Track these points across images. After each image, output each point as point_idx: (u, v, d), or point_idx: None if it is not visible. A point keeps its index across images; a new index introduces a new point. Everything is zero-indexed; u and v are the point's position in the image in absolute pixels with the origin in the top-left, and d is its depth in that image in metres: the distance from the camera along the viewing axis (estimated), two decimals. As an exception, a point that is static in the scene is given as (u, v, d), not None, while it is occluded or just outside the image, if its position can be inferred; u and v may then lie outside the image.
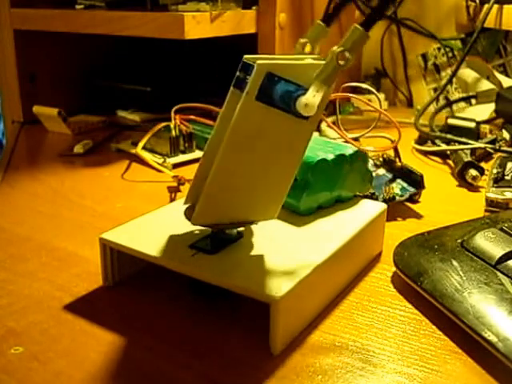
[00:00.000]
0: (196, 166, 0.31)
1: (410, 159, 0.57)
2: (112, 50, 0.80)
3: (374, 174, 0.41)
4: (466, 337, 0.27)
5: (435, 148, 0.59)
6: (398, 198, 0.43)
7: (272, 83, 0.26)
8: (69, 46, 0.75)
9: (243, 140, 0.27)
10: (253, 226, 0.32)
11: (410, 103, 0.87)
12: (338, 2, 0.31)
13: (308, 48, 0.30)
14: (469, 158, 0.51)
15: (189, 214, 0.30)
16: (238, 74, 0.29)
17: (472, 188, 0.50)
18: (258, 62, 0.26)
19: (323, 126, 0.65)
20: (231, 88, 0.29)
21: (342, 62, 0.25)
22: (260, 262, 0.29)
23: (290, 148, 0.29)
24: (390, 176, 0.45)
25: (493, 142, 0.59)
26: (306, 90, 0.26)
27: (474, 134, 0.60)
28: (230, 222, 0.30)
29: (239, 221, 0.31)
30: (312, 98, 0.25)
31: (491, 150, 0.56)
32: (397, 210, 0.44)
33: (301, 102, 0.25)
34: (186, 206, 0.32)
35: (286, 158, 0.29)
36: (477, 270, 0.30)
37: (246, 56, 0.28)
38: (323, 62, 0.26)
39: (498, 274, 0.30)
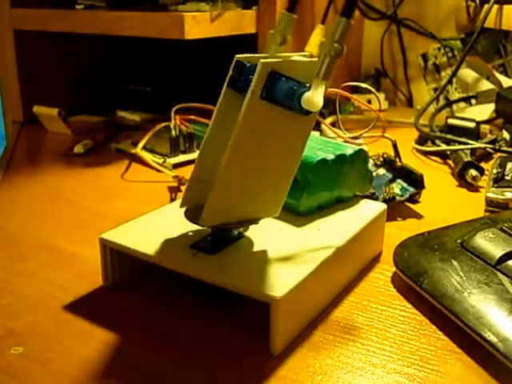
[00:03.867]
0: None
1: (410, 159, 0.57)
2: (112, 50, 0.80)
3: (374, 174, 0.41)
4: (466, 337, 0.27)
5: (435, 148, 0.59)
6: (398, 198, 0.43)
7: (275, 81, 0.26)
8: (69, 46, 0.75)
9: (250, 139, 0.28)
10: (253, 226, 0.32)
11: (410, 103, 0.87)
12: None
13: (279, 39, 0.30)
14: (469, 158, 0.51)
15: (192, 216, 0.30)
16: (231, 73, 0.29)
17: (472, 188, 0.50)
18: (262, 60, 0.26)
19: (323, 125, 0.65)
20: (224, 88, 0.30)
21: (336, 54, 0.25)
22: (260, 262, 0.29)
23: (292, 144, 0.29)
24: (390, 176, 0.45)
25: (493, 142, 0.59)
26: (307, 86, 0.26)
27: (474, 134, 0.60)
28: (238, 221, 0.30)
29: (246, 219, 0.31)
30: (316, 94, 0.26)
31: (491, 150, 0.56)
32: (397, 209, 0.44)
33: (306, 98, 0.25)
34: (186, 207, 0.32)
35: (287, 154, 0.29)
36: (477, 270, 0.30)
37: (237, 56, 0.29)
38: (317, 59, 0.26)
39: (498, 274, 0.30)
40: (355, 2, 0.27)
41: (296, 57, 0.28)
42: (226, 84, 0.30)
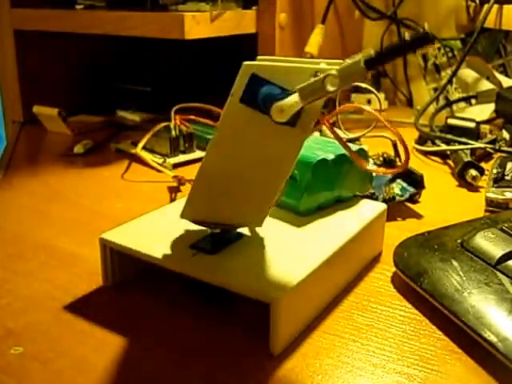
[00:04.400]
0: (197, 166, 0.31)
1: (410, 159, 0.56)
2: (112, 49, 0.80)
3: (373, 174, 0.41)
4: (466, 337, 0.27)
5: (435, 148, 0.59)
6: (398, 198, 0.43)
7: (257, 85, 0.25)
8: (69, 46, 0.75)
9: (228, 142, 0.27)
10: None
11: (409, 103, 0.87)
12: None
13: None
14: (469, 158, 0.51)
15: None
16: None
17: (472, 188, 0.50)
18: (245, 62, 0.25)
19: (323, 126, 0.65)
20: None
21: (329, 87, 0.23)
22: (260, 262, 0.29)
23: (278, 156, 0.27)
24: (390, 176, 0.45)
25: (493, 142, 0.59)
26: (290, 94, 0.24)
27: (474, 134, 0.60)
28: (215, 222, 0.30)
29: (223, 222, 0.30)
30: (287, 106, 0.24)
31: (491, 150, 0.56)
32: (397, 210, 0.44)
33: (276, 106, 0.24)
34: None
35: (273, 165, 0.27)
36: (477, 270, 0.30)
37: (259, 57, 0.27)
38: (313, 67, 0.24)
39: (498, 274, 0.30)
40: (384, 61, 0.23)
41: (322, 64, 0.26)
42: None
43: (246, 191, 0.29)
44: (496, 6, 0.70)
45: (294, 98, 0.24)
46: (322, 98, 0.24)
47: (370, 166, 0.42)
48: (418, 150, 0.61)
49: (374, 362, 0.27)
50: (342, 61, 0.24)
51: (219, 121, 0.26)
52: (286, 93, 0.24)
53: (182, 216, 0.30)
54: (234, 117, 0.26)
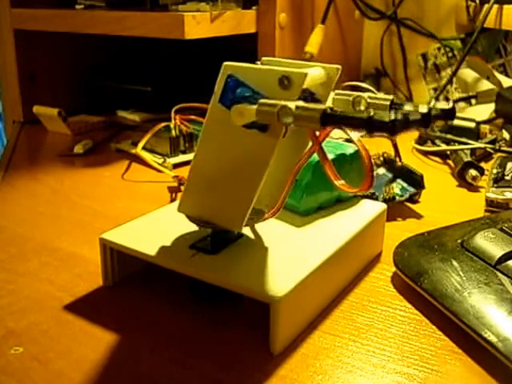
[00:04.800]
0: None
1: (410, 159, 0.57)
2: (112, 49, 0.80)
3: (374, 174, 0.41)
4: (466, 337, 0.27)
5: (435, 148, 0.59)
6: (398, 198, 0.43)
7: (234, 86, 0.25)
8: (69, 46, 0.75)
9: (210, 141, 0.27)
10: (254, 226, 0.32)
11: (409, 103, 0.87)
12: None
13: None
14: (469, 158, 0.51)
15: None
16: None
17: (472, 188, 0.50)
18: (225, 63, 0.25)
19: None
20: None
21: (283, 119, 0.22)
22: (260, 262, 0.29)
23: (252, 159, 0.27)
24: (390, 176, 0.45)
25: (493, 142, 0.59)
26: (260, 98, 0.24)
27: (474, 134, 0.60)
28: (204, 220, 0.30)
29: (209, 221, 0.30)
30: (248, 112, 0.24)
31: (491, 150, 0.56)
32: (397, 210, 0.44)
33: (236, 108, 0.24)
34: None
35: (247, 168, 0.27)
36: (477, 270, 0.30)
37: (264, 58, 0.27)
38: (281, 69, 0.24)
39: (498, 274, 0.30)
40: (340, 124, 0.22)
41: (317, 67, 0.26)
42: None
43: (226, 190, 0.29)
44: (496, 6, 0.70)
45: (253, 108, 0.24)
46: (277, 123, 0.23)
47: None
48: (418, 150, 0.61)
49: (374, 362, 0.27)
50: (337, 66, 0.24)
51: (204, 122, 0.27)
52: (256, 96, 0.24)
53: (179, 209, 0.31)
54: (214, 117, 0.26)
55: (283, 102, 0.22)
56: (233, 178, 0.28)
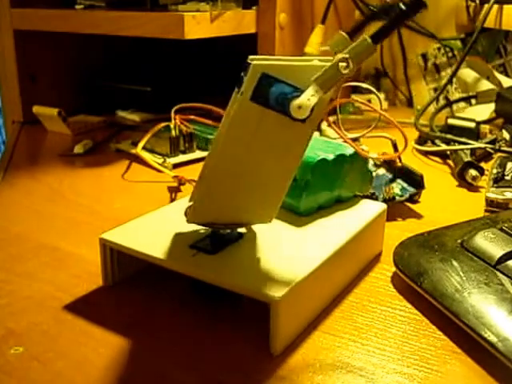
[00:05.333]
0: (197, 166, 0.31)
1: (410, 159, 0.57)
2: (112, 49, 0.80)
3: (374, 174, 0.41)
4: (466, 337, 0.27)
5: (435, 148, 0.59)
6: (398, 198, 0.43)
7: (267, 84, 0.25)
8: (69, 45, 0.75)
9: (239, 140, 0.27)
10: (253, 226, 0.32)
11: (409, 103, 0.87)
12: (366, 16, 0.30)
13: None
14: (469, 158, 0.51)
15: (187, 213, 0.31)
16: (242, 74, 0.29)
17: (472, 188, 0.50)
18: (254, 62, 0.25)
19: (323, 125, 0.65)
20: (235, 88, 0.29)
21: (343, 70, 0.24)
22: (260, 262, 0.29)
23: (288, 151, 0.28)
24: (390, 176, 0.45)
25: (493, 142, 0.59)
26: (302, 92, 0.25)
27: (474, 134, 0.60)
28: (225, 223, 0.30)
29: (234, 222, 0.30)
30: (306, 101, 0.25)
31: (491, 150, 0.56)
32: (397, 210, 0.44)
33: (294, 104, 0.25)
34: (189, 204, 0.32)
35: (283, 160, 0.28)
36: (477, 270, 0.30)
37: (251, 57, 0.27)
38: (321, 64, 0.25)
39: (498, 274, 0.30)
40: (392, 30, 0.25)
41: (314, 61, 0.27)
42: (236, 85, 0.29)
43: (257, 188, 0.29)
44: (496, 6, 0.70)
45: (310, 91, 0.25)
46: (338, 83, 0.25)
47: (370, 167, 0.42)
48: (418, 150, 0.61)
49: (374, 362, 0.27)
50: (329, 58, 0.26)
51: (228, 120, 0.26)
52: (298, 90, 0.25)
53: (189, 221, 0.30)
54: (244, 115, 0.26)
55: (336, 58, 0.24)
56: (264, 172, 0.28)
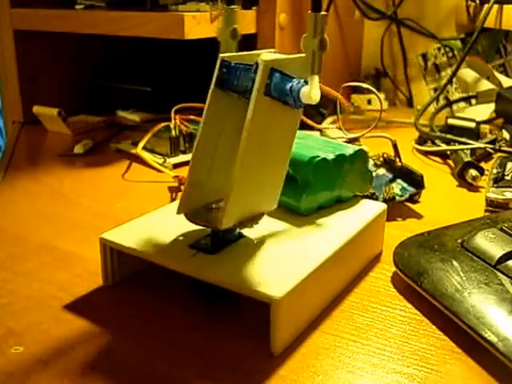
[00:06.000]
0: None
1: (410, 159, 0.57)
2: (112, 49, 0.80)
3: (374, 174, 0.41)
4: (466, 337, 0.27)
5: (435, 148, 0.59)
6: (398, 198, 0.43)
7: (274, 78, 0.28)
8: (69, 46, 0.75)
9: (258, 136, 0.28)
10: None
11: (410, 103, 0.87)
12: None
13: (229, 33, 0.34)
14: (469, 158, 0.51)
15: (196, 218, 0.30)
16: (217, 73, 0.30)
17: (472, 188, 0.50)
18: (263, 59, 0.27)
19: (324, 125, 0.65)
20: (212, 88, 0.30)
21: (324, 48, 0.27)
22: (260, 262, 0.29)
23: (286, 137, 0.30)
24: (390, 176, 0.45)
25: (493, 142, 0.59)
26: (301, 80, 0.27)
27: (474, 134, 0.60)
28: (249, 218, 0.31)
29: (254, 215, 0.31)
30: (314, 89, 0.27)
31: (491, 150, 0.56)
32: (397, 210, 0.44)
33: (305, 92, 0.27)
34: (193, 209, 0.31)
35: (284, 147, 0.30)
36: (477, 270, 0.30)
37: (222, 55, 0.31)
38: (304, 55, 0.28)
39: (498, 274, 0.30)
40: None
41: (267, 54, 0.30)
42: (213, 84, 0.30)
43: (269, 176, 0.30)
44: (496, 6, 0.70)
45: (312, 80, 0.27)
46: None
47: (370, 167, 0.42)
48: (418, 150, 0.61)
49: (374, 362, 0.27)
50: (274, 50, 0.30)
51: (249, 118, 0.28)
52: (296, 79, 0.28)
53: (224, 225, 0.29)
54: (261, 111, 0.28)
55: (315, 44, 0.28)
56: (274, 157, 0.30)
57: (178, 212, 0.31)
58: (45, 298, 0.32)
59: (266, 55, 0.29)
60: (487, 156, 0.57)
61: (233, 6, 0.33)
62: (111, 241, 0.31)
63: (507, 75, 0.79)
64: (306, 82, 0.27)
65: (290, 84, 0.27)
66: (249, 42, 0.63)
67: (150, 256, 0.30)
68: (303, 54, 0.28)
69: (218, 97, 0.30)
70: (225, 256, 0.30)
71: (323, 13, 0.27)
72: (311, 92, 0.27)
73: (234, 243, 0.31)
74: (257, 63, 0.28)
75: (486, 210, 0.45)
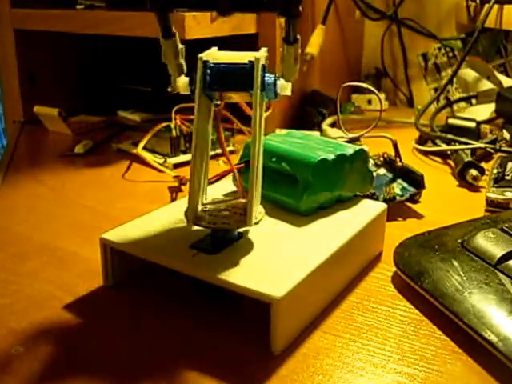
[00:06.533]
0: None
1: (411, 159, 0.57)
2: (112, 50, 0.80)
3: (374, 174, 0.41)
4: (466, 337, 0.27)
5: (436, 148, 0.59)
6: (398, 197, 0.43)
7: (264, 74, 0.30)
8: (69, 46, 0.75)
9: (260, 127, 0.30)
10: (253, 226, 0.32)
11: (410, 103, 0.87)
12: None
13: None
14: (469, 158, 0.51)
15: (200, 220, 0.30)
16: (201, 75, 0.31)
17: (472, 188, 0.50)
18: (258, 56, 0.29)
19: (324, 125, 0.65)
20: (200, 92, 0.31)
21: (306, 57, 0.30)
22: (260, 262, 0.29)
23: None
24: (390, 176, 0.45)
25: (493, 142, 0.59)
26: (271, 75, 0.30)
27: (475, 134, 0.60)
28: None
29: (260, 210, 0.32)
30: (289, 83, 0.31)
31: (491, 150, 0.56)
32: (397, 209, 0.44)
33: (282, 86, 0.30)
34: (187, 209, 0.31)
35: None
36: (477, 270, 0.30)
37: (200, 55, 0.32)
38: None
39: (499, 273, 0.30)
40: None
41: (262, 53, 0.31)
42: (201, 88, 0.31)
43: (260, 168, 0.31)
44: (496, 6, 0.70)
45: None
46: None
47: (371, 167, 0.42)
48: (418, 149, 0.61)
49: (375, 362, 0.27)
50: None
51: (256, 116, 0.29)
52: (269, 74, 0.30)
53: (253, 224, 0.30)
54: (260, 107, 0.29)
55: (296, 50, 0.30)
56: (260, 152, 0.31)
57: (189, 221, 0.30)
58: (46, 298, 0.32)
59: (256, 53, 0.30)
60: (487, 156, 0.57)
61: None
62: (111, 241, 0.31)
63: (507, 75, 0.79)
64: (278, 78, 0.30)
65: (273, 79, 0.30)
66: (249, 42, 0.63)
67: (150, 256, 0.30)
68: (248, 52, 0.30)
69: (204, 101, 0.31)
70: (225, 256, 0.30)
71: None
72: (288, 86, 0.30)
73: (233, 243, 0.31)
74: (251, 61, 0.29)
75: (486, 210, 0.45)
